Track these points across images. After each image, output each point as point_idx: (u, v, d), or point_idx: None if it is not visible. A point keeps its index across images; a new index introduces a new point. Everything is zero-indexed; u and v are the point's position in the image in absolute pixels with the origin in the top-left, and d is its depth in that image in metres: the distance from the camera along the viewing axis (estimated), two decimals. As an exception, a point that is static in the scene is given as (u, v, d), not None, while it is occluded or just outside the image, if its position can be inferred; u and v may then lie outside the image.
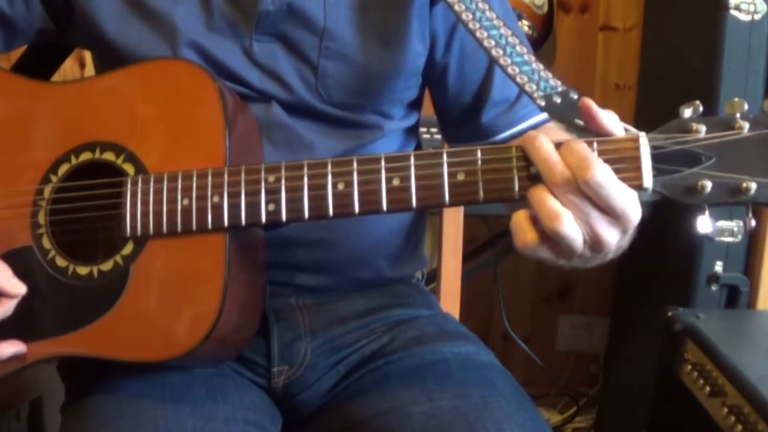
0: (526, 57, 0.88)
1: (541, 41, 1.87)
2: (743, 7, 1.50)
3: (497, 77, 1.03)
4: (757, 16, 1.51)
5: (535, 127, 1.05)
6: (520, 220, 0.75)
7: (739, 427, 1.22)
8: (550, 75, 0.87)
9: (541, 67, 0.87)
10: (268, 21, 0.95)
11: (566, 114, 0.83)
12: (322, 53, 0.97)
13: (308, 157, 0.83)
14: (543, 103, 0.85)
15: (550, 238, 0.73)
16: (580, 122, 0.78)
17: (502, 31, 0.89)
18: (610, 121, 0.75)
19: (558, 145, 0.74)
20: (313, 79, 0.97)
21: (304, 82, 0.98)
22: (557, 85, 0.86)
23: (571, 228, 0.72)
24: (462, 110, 1.06)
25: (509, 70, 0.88)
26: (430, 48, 1.02)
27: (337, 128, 1.00)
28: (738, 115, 0.72)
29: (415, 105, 1.08)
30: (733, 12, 1.51)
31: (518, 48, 0.89)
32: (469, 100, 1.05)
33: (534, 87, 0.86)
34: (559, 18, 2.03)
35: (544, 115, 1.05)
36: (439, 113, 1.09)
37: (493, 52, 0.89)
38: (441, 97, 1.06)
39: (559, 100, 0.85)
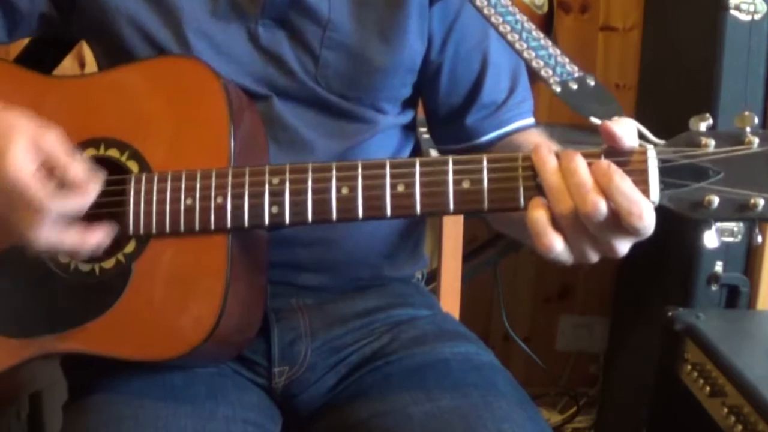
0: (542, 42, 0.87)
1: (542, 41, 1.86)
2: (743, 7, 1.50)
3: (488, 80, 1.03)
4: (757, 16, 1.51)
5: (519, 130, 1.05)
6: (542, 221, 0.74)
7: (739, 427, 1.22)
8: (567, 60, 0.85)
9: (558, 52, 0.86)
10: (273, 6, 0.95)
11: (581, 103, 0.82)
12: (324, 43, 0.97)
13: (306, 154, 0.82)
14: (558, 89, 0.84)
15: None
16: (596, 120, 0.77)
17: (518, 17, 0.89)
18: (630, 137, 0.73)
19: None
20: (313, 68, 0.98)
21: (305, 70, 0.98)
22: (574, 70, 0.85)
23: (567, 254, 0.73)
24: (450, 111, 1.06)
25: (525, 54, 0.87)
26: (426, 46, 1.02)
27: (334, 120, 1.00)
28: (748, 129, 0.71)
29: (411, 103, 1.08)
30: (733, 12, 1.51)
31: (534, 33, 0.88)
32: (459, 101, 1.05)
33: (550, 72, 0.85)
34: (559, 18, 2.02)
35: (530, 120, 1.06)
36: (427, 112, 1.09)
37: (509, 37, 0.88)
38: (431, 97, 1.06)
39: (575, 87, 0.83)
